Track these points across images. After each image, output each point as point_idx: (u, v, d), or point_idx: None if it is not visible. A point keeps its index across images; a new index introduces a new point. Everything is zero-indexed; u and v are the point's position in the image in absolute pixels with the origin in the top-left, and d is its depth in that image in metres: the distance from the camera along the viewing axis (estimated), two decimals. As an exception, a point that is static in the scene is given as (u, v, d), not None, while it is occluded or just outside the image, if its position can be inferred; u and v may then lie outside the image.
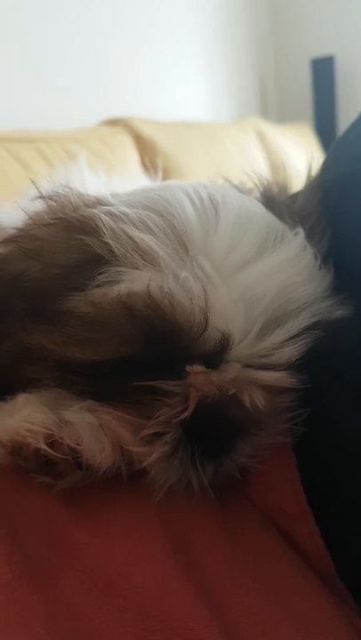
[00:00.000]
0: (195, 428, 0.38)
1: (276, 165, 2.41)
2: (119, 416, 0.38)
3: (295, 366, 0.38)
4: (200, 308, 0.36)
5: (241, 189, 0.51)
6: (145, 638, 0.33)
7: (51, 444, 0.37)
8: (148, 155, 1.99)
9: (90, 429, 0.37)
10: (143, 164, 1.89)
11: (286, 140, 2.55)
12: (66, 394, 0.40)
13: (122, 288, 0.36)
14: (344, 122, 2.86)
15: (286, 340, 0.37)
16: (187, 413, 0.37)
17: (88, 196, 0.45)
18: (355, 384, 0.39)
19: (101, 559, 0.36)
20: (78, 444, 0.37)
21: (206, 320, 0.36)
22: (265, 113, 2.95)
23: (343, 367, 0.39)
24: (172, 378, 0.38)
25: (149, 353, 0.38)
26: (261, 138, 2.48)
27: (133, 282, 0.36)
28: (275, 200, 0.48)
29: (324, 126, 2.90)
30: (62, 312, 0.38)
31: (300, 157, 2.48)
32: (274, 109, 3.06)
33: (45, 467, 0.38)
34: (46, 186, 0.50)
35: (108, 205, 0.42)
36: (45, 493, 0.39)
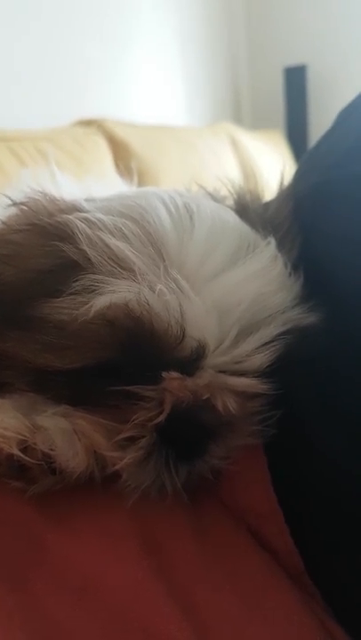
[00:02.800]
0: (169, 431, 0.39)
1: (248, 171, 2.43)
2: (93, 420, 0.39)
3: (267, 372, 0.39)
4: (176, 320, 0.37)
5: (215, 197, 0.51)
6: (120, 639, 0.33)
7: (24, 450, 0.37)
8: (122, 157, 1.98)
9: (63, 434, 0.38)
10: (117, 166, 1.89)
11: (259, 146, 2.58)
12: (40, 399, 0.40)
13: (101, 300, 0.37)
14: (315, 129, 2.91)
15: (259, 347, 0.38)
16: (161, 417, 0.38)
17: (63, 201, 0.45)
18: (322, 387, 0.41)
19: (74, 561, 0.36)
20: (52, 450, 0.37)
21: (183, 332, 0.37)
22: (238, 119, 2.98)
23: (312, 371, 0.41)
24: (147, 383, 0.39)
25: (126, 359, 0.38)
26: (234, 144, 2.50)
27: (112, 293, 0.37)
28: (248, 208, 0.49)
29: (295, 134, 2.95)
30: (36, 318, 0.39)
31: (272, 164, 2.51)
32: (247, 116, 3.09)
33: (18, 471, 0.38)
34: (19, 189, 0.50)
35: (83, 212, 0.42)
36: (18, 497, 0.39)
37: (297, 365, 0.40)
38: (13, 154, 1.58)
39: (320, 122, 2.88)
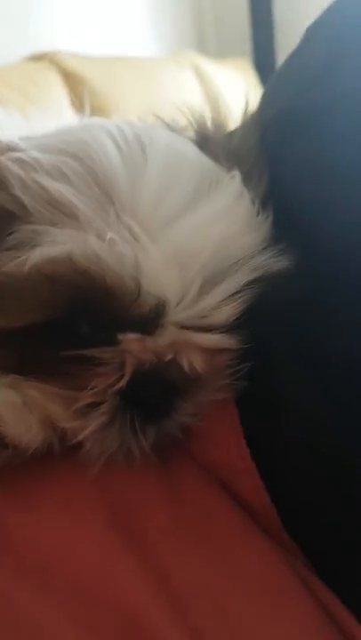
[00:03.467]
0: (132, 393, 0.35)
1: (213, 102, 2.32)
2: (47, 390, 0.34)
3: (235, 324, 0.35)
4: (131, 274, 0.32)
5: (172, 127, 0.45)
6: (87, 622, 0.31)
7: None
8: (78, 92, 1.86)
9: (12, 408, 0.34)
10: (72, 101, 1.77)
11: (225, 75, 2.45)
12: None
13: (38, 254, 0.32)
14: (283, 55, 2.77)
15: (225, 299, 0.34)
16: (123, 382, 0.34)
17: (-3, 141, 0.39)
18: (294, 336, 0.37)
19: (35, 541, 0.33)
20: (0, 426, 0.33)
21: (139, 287, 0.32)
22: (202, 48, 2.81)
23: (282, 319, 0.37)
24: (104, 345, 0.34)
25: (76, 319, 0.34)
26: (199, 74, 2.37)
27: (51, 245, 0.32)
28: (209, 139, 0.43)
29: (263, 60, 2.81)
30: (-31, 279, 0.33)
31: (240, 94, 2.39)
32: (211, 44, 2.92)
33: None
34: None
35: (17, 151, 0.36)
36: None
37: (266, 313, 0.36)
38: None
39: (288, 47, 2.74)
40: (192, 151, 0.39)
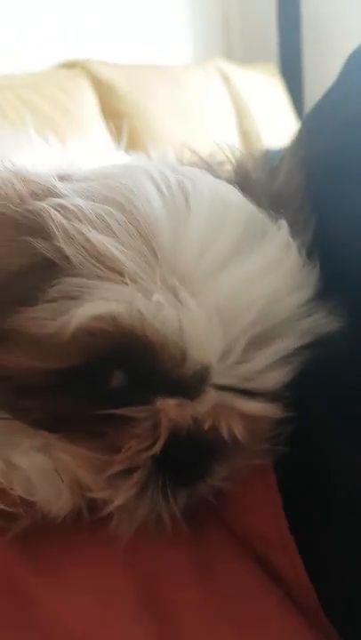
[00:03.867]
0: (165, 458, 0.34)
1: (241, 109, 2.30)
2: (78, 453, 0.33)
3: (281, 390, 0.33)
4: (175, 341, 0.31)
5: (211, 165, 0.44)
6: None
7: (-1, 493, 0.32)
8: (108, 100, 1.87)
9: (43, 475, 0.33)
10: (103, 109, 1.77)
11: (252, 82, 2.43)
12: (17, 425, 0.34)
13: (83, 311, 0.31)
14: (310, 62, 2.74)
15: (273, 363, 0.32)
16: (157, 447, 0.33)
17: (36, 181, 0.38)
18: (341, 401, 0.35)
19: (62, 620, 0.32)
20: (31, 495, 0.32)
21: (183, 354, 0.31)
22: (229, 54, 2.79)
23: (329, 383, 0.35)
24: (138, 401, 0.33)
25: (111, 370, 0.33)
26: (226, 80, 2.36)
27: (96, 302, 0.31)
28: (250, 179, 0.42)
29: (289, 66, 2.78)
30: (9, 331, 0.33)
31: (266, 100, 2.38)
32: (238, 50, 2.90)
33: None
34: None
35: (59, 196, 0.36)
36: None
37: (312, 376, 0.34)
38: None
39: (315, 53, 2.71)
40: (236, 198, 0.37)
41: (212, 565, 0.35)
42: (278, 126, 2.22)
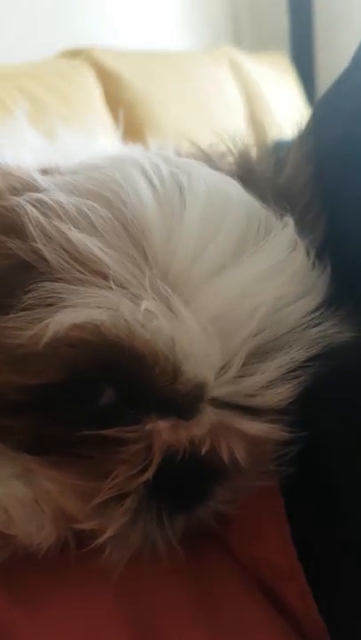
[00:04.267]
0: (160, 482, 0.30)
1: (251, 99, 2.25)
2: (62, 480, 0.30)
3: (287, 406, 0.30)
4: (166, 354, 0.27)
5: (211, 157, 0.41)
6: None
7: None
8: (113, 89, 1.82)
9: (22, 506, 0.29)
10: (107, 99, 1.73)
11: (262, 71, 2.37)
12: None
13: (60, 320, 0.27)
14: (323, 51, 2.68)
15: (276, 378, 0.29)
16: (149, 473, 0.29)
17: (16, 175, 0.35)
18: (355, 416, 0.32)
19: None
20: (8, 528, 0.29)
21: (175, 370, 0.28)
22: (238, 41, 2.73)
23: (341, 397, 0.31)
24: (128, 421, 0.30)
25: (97, 386, 0.30)
26: (236, 69, 2.30)
27: (76, 309, 0.27)
28: (254, 172, 0.38)
29: (301, 56, 2.72)
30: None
31: (277, 90, 2.32)
32: (248, 37, 2.84)
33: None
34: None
35: (38, 190, 0.32)
36: None
37: (321, 391, 0.30)
38: (-8, 93, 1.43)
39: (327, 41, 2.65)
40: (236, 192, 0.34)
41: (213, 600, 0.32)
42: (289, 117, 2.16)
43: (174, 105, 1.93)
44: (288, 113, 2.24)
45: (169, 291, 0.28)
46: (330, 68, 2.64)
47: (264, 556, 0.33)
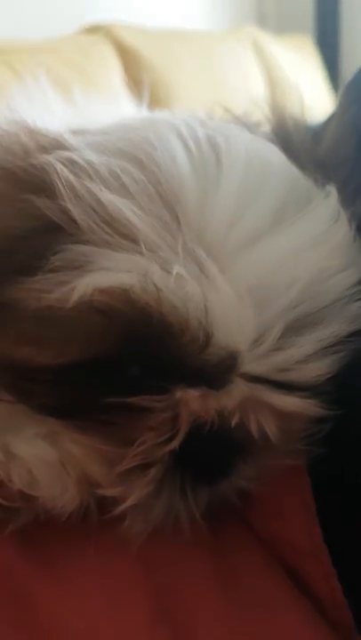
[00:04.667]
0: (185, 452, 0.29)
1: (274, 82, 2.21)
2: (87, 445, 0.29)
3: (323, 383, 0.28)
4: (198, 320, 0.26)
5: (247, 124, 0.39)
6: None
7: (-4, 485, 0.28)
8: (132, 67, 1.79)
9: (47, 467, 0.29)
10: (127, 77, 1.70)
11: (287, 54, 2.32)
12: (22, 409, 0.30)
13: (88, 283, 0.26)
14: (348, 35, 2.63)
15: (314, 353, 0.27)
16: (176, 442, 0.28)
17: (45, 134, 0.33)
18: None
19: (67, 628, 0.28)
20: (32, 489, 0.28)
21: (207, 337, 0.26)
22: (262, 23, 2.68)
23: None
24: (156, 391, 0.29)
25: (126, 357, 0.28)
26: (259, 51, 2.26)
27: (105, 273, 0.26)
28: (292, 141, 0.36)
29: (326, 40, 2.67)
30: (6, 304, 0.28)
31: (302, 76, 2.27)
32: (272, 19, 2.79)
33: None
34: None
35: (68, 150, 0.31)
36: None
37: (356, 365, 0.29)
38: (10, 68, 1.41)
39: (354, 26, 2.59)
40: (277, 158, 0.32)
41: (236, 575, 0.31)
42: (313, 102, 2.12)
43: (195, 85, 1.90)
44: (311, 97, 2.20)
45: (203, 255, 0.26)
46: (355, 53, 2.59)
47: (286, 535, 0.33)
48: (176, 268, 0.26)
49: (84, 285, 0.26)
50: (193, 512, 0.31)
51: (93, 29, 1.79)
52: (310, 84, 2.32)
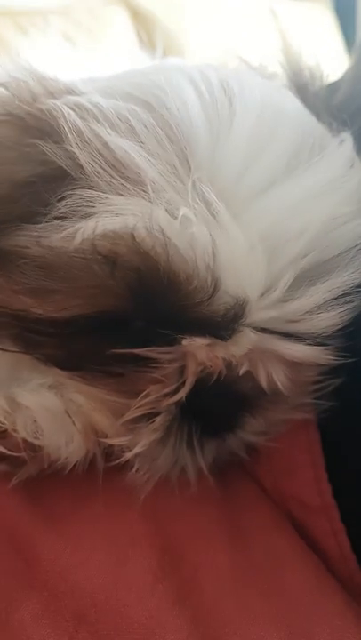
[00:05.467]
0: (192, 404, 0.29)
1: (289, 48, 2.15)
2: (93, 395, 0.29)
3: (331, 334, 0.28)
4: (206, 264, 0.25)
5: (262, 74, 0.37)
6: None
7: (1, 435, 0.28)
8: (146, 31, 1.75)
9: (52, 417, 0.28)
10: (140, 41, 1.67)
11: (303, 19, 2.26)
12: (27, 359, 0.30)
13: (92, 225, 0.25)
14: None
15: (325, 303, 0.27)
16: (182, 394, 0.28)
17: (54, 81, 0.32)
18: None
19: (72, 580, 0.28)
20: (36, 438, 0.28)
21: (215, 282, 0.25)
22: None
23: None
24: (163, 342, 0.28)
25: (135, 313, 0.28)
26: (274, 15, 2.20)
27: (109, 216, 0.25)
28: (307, 90, 0.35)
29: (342, 6, 2.58)
30: (10, 251, 0.28)
31: (319, 41, 2.21)
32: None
33: (-2, 453, 0.29)
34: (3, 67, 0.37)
35: (76, 94, 0.30)
36: (2, 485, 0.30)
37: None
38: (21, 30, 1.39)
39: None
40: (292, 105, 0.31)
41: (243, 531, 0.31)
42: (329, 69, 2.07)
43: (210, 50, 1.85)
44: (327, 65, 2.14)
45: (213, 197, 0.25)
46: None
47: (295, 491, 0.32)
48: (183, 210, 0.25)
49: (89, 228, 0.26)
50: (200, 465, 0.31)
51: (105, -8, 1.75)
52: (327, 51, 2.26)
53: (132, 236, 0.25)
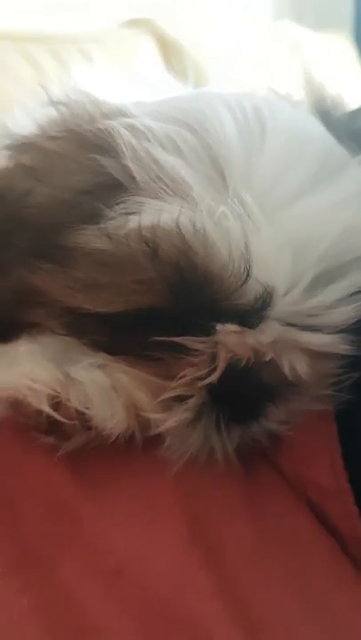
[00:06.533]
0: (221, 390, 0.33)
1: (310, 79, 2.21)
2: (135, 375, 0.33)
3: (348, 327, 0.32)
4: (240, 253, 0.29)
5: (290, 101, 0.42)
6: (158, 638, 0.29)
7: (55, 406, 0.32)
8: (173, 61, 1.82)
9: (101, 391, 0.32)
10: (168, 69, 1.74)
11: (324, 50, 2.32)
12: (76, 344, 0.34)
13: (144, 219, 0.30)
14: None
15: (343, 298, 0.31)
16: (214, 377, 0.32)
17: (107, 103, 0.37)
18: None
19: (110, 540, 0.32)
20: (87, 408, 0.32)
21: (247, 271, 0.29)
22: (299, 19, 2.68)
23: None
24: (198, 333, 0.32)
25: (173, 306, 0.32)
26: (296, 46, 2.26)
27: (159, 213, 0.30)
28: (330, 116, 0.40)
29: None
30: (69, 249, 0.32)
31: (337, 71, 2.27)
32: (309, 14, 2.78)
33: (49, 426, 0.33)
34: (59, 90, 0.42)
35: (129, 117, 0.34)
36: (48, 455, 0.34)
37: None
38: (54, 56, 1.46)
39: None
40: (316, 128, 0.35)
41: (263, 507, 0.34)
42: (351, 99, 2.12)
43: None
44: (349, 97, 2.19)
45: (248, 199, 0.30)
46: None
47: (312, 476, 0.35)
48: (220, 209, 0.29)
49: (138, 221, 0.30)
50: (226, 448, 0.34)
51: (135, 22, 1.83)
52: (347, 81, 2.32)
53: (175, 229, 0.29)
